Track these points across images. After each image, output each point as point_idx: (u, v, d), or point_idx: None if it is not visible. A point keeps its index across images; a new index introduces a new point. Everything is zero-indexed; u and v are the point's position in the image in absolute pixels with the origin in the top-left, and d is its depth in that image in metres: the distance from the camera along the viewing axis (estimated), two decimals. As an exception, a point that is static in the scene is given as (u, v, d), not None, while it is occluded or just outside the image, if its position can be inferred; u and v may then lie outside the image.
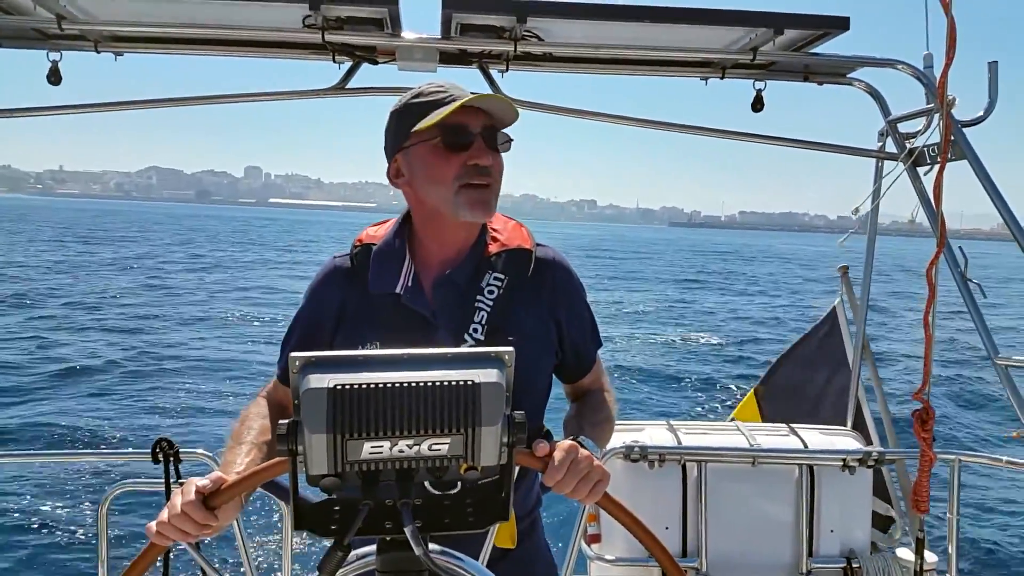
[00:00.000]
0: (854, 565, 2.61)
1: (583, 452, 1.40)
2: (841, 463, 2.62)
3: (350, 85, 2.95)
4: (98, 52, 2.96)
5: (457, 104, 1.59)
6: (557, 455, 1.38)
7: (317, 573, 1.16)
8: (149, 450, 2.42)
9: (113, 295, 28.91)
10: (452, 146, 1.63)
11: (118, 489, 2.62)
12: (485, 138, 1.65)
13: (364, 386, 1.04)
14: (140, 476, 2.60)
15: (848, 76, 2.97)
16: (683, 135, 3.22)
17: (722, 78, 3.02)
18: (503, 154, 1.71)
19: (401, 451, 1.06)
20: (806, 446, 2.71)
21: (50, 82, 2.91)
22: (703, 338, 23.03)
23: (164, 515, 1.30)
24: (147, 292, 30.77)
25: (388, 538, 1.16)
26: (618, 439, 2.71)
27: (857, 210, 2.84)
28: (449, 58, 2.93)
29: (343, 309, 1.75)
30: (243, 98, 3.10)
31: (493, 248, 1.77)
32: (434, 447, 1.07)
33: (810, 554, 2.63)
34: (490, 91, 2.95)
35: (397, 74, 2.92)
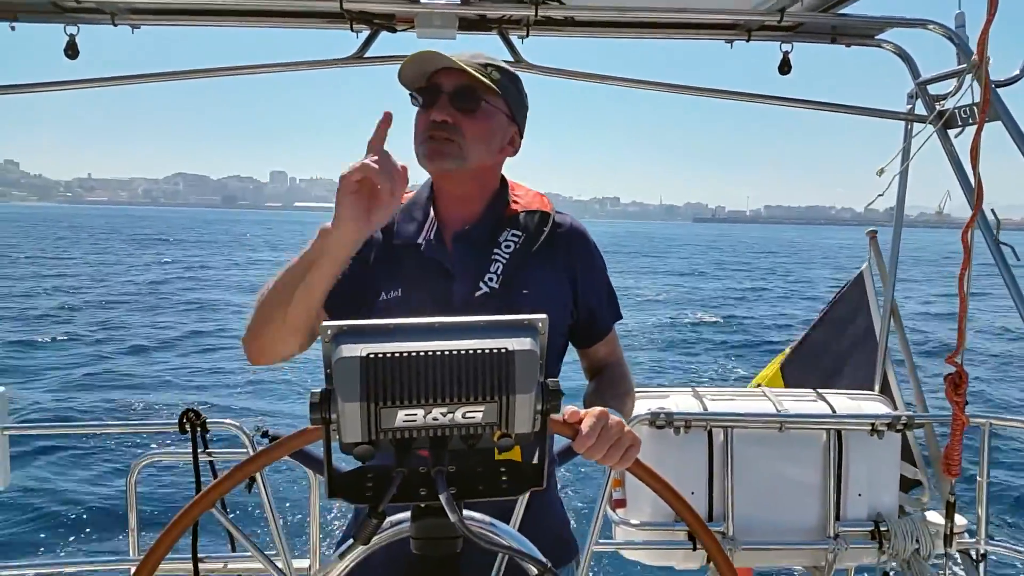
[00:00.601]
0: (882, 528, 2.61)
1: (613, 418, 1.41)
2: (870, 427, 2.61)
3: (368, 54, 2.92)
4: (115, 25, 2.94)
5: (408, 70, 1.70)
6: (587, 422, 1.38)
7: (352, 541, 1.17)
8: (176, 421, 2.43)
9: (142, 284, 29.44)
10: (420, 106, 1.73)
11: (145, 460, 2.64)
12: (451, 97, 1.71)
13: (397, 354, 1.03)
14: (168, 447, 2.62)
15: (877, 38, 2.91)
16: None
17: (748, 40, 2.96)
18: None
19: (435, 419, 1.05)
20: (834, 411, 2.70)
21: (68, 56, 2.90)
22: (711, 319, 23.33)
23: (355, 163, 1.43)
24: (175, 282, 31.29)
25: (423, 505, 1.16)
26: (643, 406, 2.71)
27: (883, 171, 2.79)
28: (469, 24, 2.89)
29: (370, 260, 1.79)
30: (260, 69, 3.07)
31: (514, 208, 1.83)
32: (468, 415, 1.06)
33: (837, 518, 2.63)
34: (510, 57, 2.94)
35: (416, 42, 2.90)
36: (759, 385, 3.35)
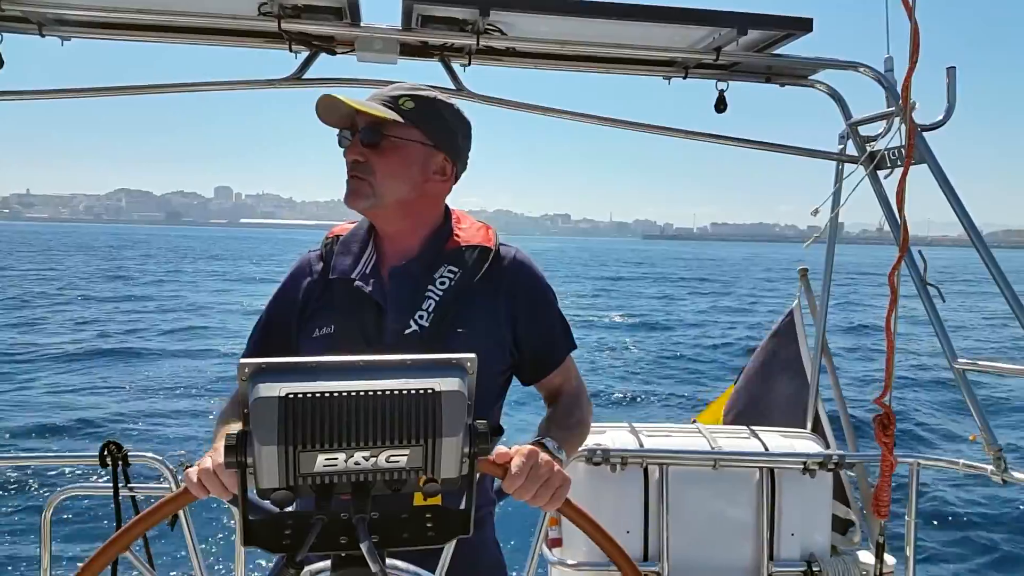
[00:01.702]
0: (815, 569, 2.60)
1: (543, 457, 1.38)
2: (802, 466, 2.61)
3: (307, 76, 2.87)
4: (43, 36, 2.83)
5: (319, 111, 1.72)
6: (516, 461, 1.35)
7: None
8: (96, 453, 2.32)
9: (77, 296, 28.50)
10: (341, 145, 1.76)
11: (62, 495, 2.50)
12: (361, 135, 1.72)
13: (318, 395, 0.98)
14: (86, 480, 2.49)
15: (810, 78, 2.98)
16: (647, 136, 3.20)
17: (685, 78, 3.00)
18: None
19: (357, 463, 1.00)
20: (767, 449, 2.70)
21: None
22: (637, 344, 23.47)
23: (207, 463, 1.30)
24: (109, 301, 30.44)
25: (343, 554, 1.11)
26: (579, 442, 2.68)
27: (817, 211, 2.84)
28: (410, 50, 2.86)
29: (307, 297, 1.79)
30: (198, 87, 2.99)
31: (452, 244, 1.80)
32: (392, 459, 1.01)
33: (771, 557, 2.62)
34: (452, 85, 2.91)
35: (356, 66, 2.86)
36: (694, 421, 3.34)
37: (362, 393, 0.99)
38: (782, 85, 3.01)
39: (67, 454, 3.11)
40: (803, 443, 2.80)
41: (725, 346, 22.57)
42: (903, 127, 2.62)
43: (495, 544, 1.90)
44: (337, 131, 1.76)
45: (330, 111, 1.72)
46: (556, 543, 2.64)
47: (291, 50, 2.84)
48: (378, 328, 1.69)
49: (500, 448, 1.39)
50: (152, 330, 23.74)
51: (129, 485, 2.37)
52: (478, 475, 1.19)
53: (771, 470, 2.63)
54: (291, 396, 0.98)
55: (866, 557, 2.70)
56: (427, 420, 1.01)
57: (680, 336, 25.34)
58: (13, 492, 8.17)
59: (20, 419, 12.14)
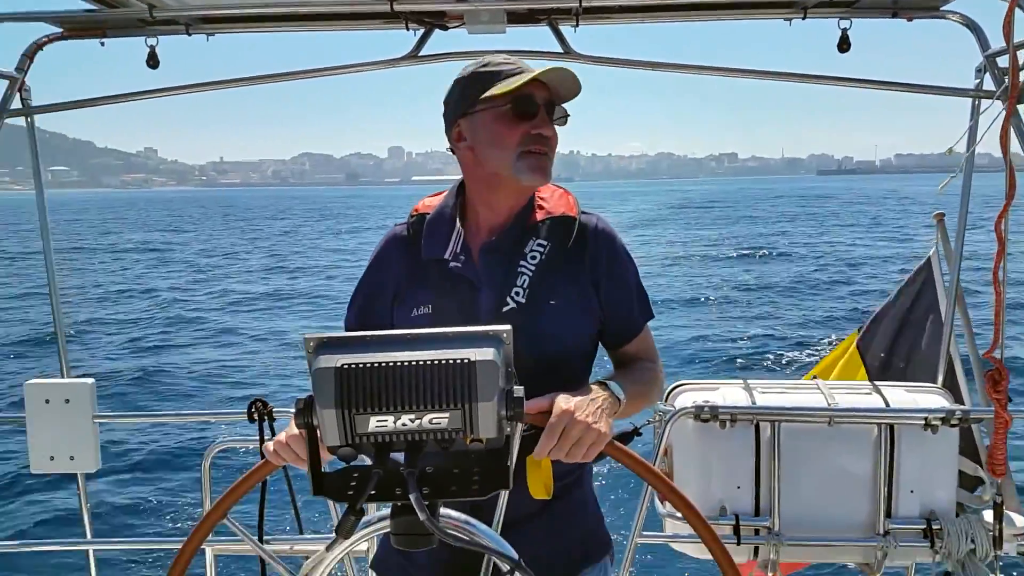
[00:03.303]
0: (935, 526, 2.53)
1: (577, 416, 1.44)
2: (923, 422, 2.53)
3: (423, 53, 2.99)
4: (190, 35, 3.11)
5: (533, 74, 1.70)
6: (547, 426, 1.43)
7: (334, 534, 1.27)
8: (245, 410, 2.61)
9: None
10: (520, 115, 1.73)
11: (217, 447, 2.86)
12: (547, 110, 1.75)
13: (368, 365, 1.13)
14: (238, 434, 2.83)
15: (942, 9, 2.76)
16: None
17: (804, 18, 2.86)
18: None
19: (404, 424, 1.14)
20: (887, 404, 2.62)
21: (149, 66, 3.10)
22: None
23: (281, 437, 1.52)
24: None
25: (400, 503, 1.24)
26: (689, 399, 2.71)
27: (951, 150, 2.67)
28: (517, 18, 2.90)
29: (400, 275, 1.87)
30: (326, 72, 3.19)
31: (538, 215, 1.84)
32: (434, 421, 1.14)
33: (888, 514, 2.57)
34: (560, 49, 2.95)
35: (468, 39, 2.95)
36: (814, 377, 3.26)
37: (406, 363, 1.13)
38: (910, 19, 2.81)
39: (222, 411, 3.51)
40: (928, 398, 2.69)
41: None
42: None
43: (593, 502, 1.97)
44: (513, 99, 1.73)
45: (563, 87, 1.75)
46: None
47: (407, 28, 2.97)
48: (474, 305, 1.76)
49: (537, 401, 1.47)
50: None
51: (275, 438, 2.65)
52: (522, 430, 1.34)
53: (891, 426, 2.56)
54: (346, 367, 1.13)
55: (992, 517, 2.59)
56: (463, 386, 1.13)
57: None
58: (178, 444, 9.30)
59: (187, 377, 13.63)
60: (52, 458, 3.04)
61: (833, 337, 15.42)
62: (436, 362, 1.13)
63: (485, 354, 1.15)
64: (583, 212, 1.88)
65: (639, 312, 1.91)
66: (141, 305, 23.97)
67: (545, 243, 1.81)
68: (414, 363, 1.13)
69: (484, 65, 1.78)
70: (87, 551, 3.45)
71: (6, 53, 3.15)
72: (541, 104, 1.73)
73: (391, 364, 1.13)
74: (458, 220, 1.86)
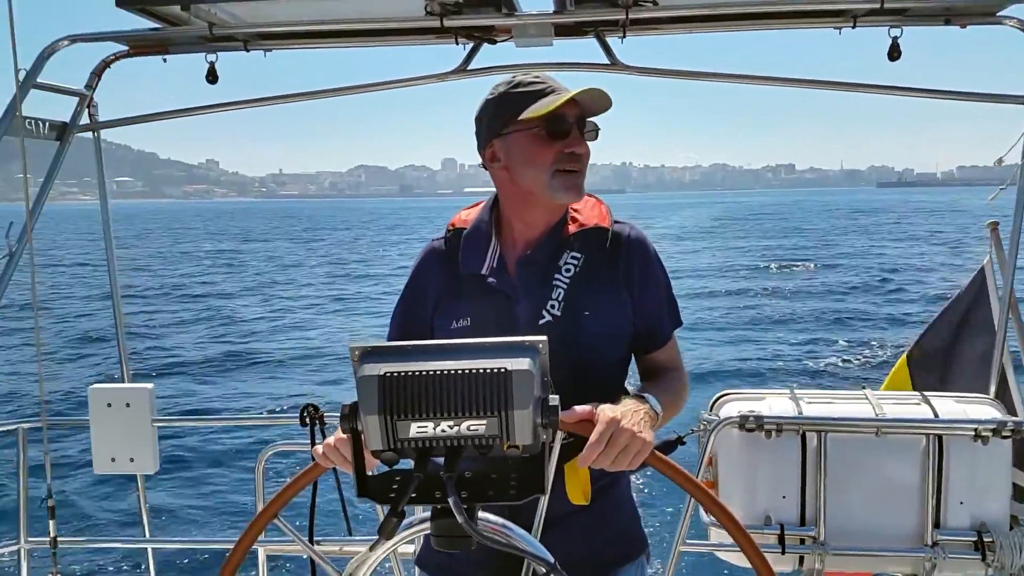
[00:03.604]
0: (986, 539, 2.49)
1: (624, 424, 1.47)
2: (973, 433, 2.49)
3: (472, 66, 3.05)
4: (248, 51, 3.22)
5: (565, 98, 1.73)
6: (595, 431, 1.46)
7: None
8: (297, 415, 2.70)
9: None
10: (553, 135, 1.76)
11: (271, 450, 2.96)
12: (579, 127, 1.78)
13: (409, 373, 1.18)
14: (290, 438, 2.91)
15: (998, 15, 2.73)
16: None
17: (854, 27, 2.85)
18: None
19: (443, 431, 1.19)
20: (936, 415, 2.59)
21: (208, 81, 3.21)
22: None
23: (330, 440, 1.60)
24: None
25: (440, 506, 1.29)
26: (734, 408, 2.72)
27: (1001, 160, 2.64)
28: (565, 30, 2.95)
29: (439, 289, 1.91)
30: (374, 87, 3.29)
31: (572, 228, 1.88)
32: (472, 427, 1.19)
33: (937, 525, 2.54)
34: (607, 60, 2.99)
35: (516, 52, 3.01)
36: (863, 387, 3.22)
37: (446, 372, 1.18)
38: (964, 26, 2.78)
39: (276, 415, 3.61)
40: (979, 409, 2.64)
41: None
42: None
43: (630, 500, 2.00)
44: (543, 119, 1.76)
45: (595, 102, 1.78)
46: None
47: (457, 42, 3.03)
48: (512, 319, 1.80)
49: (582, 408, 1.50)
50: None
51: (324, 442, 2.72)
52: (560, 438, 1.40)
53: (939, 437, 2.53)
54: (388, 375, 1.19)
55: None
56: (500, 395, 1.18)
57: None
58: (233, 447, 9.52)
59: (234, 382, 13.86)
60: (113, 459, 3.17)
61: (880, 348, 15.13)
62: (474, 371, 1.18)
63: (521, 364, 1.19)
64: (616, 221, 1.92)
65: (669, 320, 1.94)
66: (203, 310, 24.58)
67: (579, 255, 1.85)
68: (453, 372, 1.18)
69: (515, 85, 1.82)
70: (146, 549, 3.58)
71: (68, 71, 3.30)
72: (573, 122, 1.77)
73: (431, 373, 1.18)
74: (494, 235, 1.90)
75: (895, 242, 46.24)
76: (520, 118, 1.77)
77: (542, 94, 1.76)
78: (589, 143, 1.82)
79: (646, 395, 1.64)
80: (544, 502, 1.56)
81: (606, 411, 1.49)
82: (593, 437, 1.45)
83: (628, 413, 1.51)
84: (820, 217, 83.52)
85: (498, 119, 1.82)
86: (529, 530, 1.49)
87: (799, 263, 33.90)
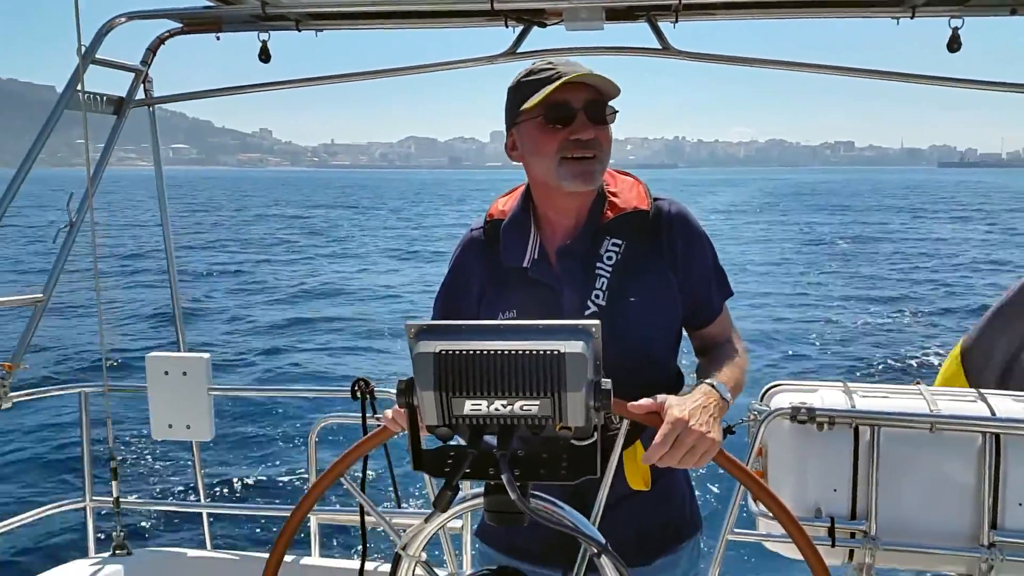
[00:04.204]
0: None
1: (692, 424, 1.46)
2: None
3: (521, 49, 3.03)
4: (299, 31, 3.25)
5: (555, 85, 1.69)
6: (662, 431, 1.45)
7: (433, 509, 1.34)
8: (349, 388, 2.73)
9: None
10: (554, 122, 1.73)
11: (323, 422, 3.04)
12: (588, 112, 1.74)
13: (465, 352, 1.20)
14: (342, 411, 2.98)
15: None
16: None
17: (912, 17, 2.75)
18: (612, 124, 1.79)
19: (497, 409, 1.21)
20: (993, 414, 2.52)
21: (261, 60, 3.25)
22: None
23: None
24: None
25: (493, 482, 1.31)
26: (786, 399, 2.67)
27: None
28: (616, 14, 2.91)
29: (482, 280, 1.92)
30: (428, 68, 3.30)
31: (610, 213, 1.85)
32: (525, 407, 1.20)
33: (994, 526, 2.48)
34: (659, 45, 2.93)
35: (567, 35, 2.97)
36: (918, 383, 3.13)
37: (501, 352, 1.19)
38: (1032, 14, 2.67)
39: (329, 388, 3.68)
40: (1038, 407, 2.57)
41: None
42: None
43: (685, 479, 2.00)
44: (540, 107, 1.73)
45: (571, 87, 1.71)
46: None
47: (506, 25, 3.01)
48: (557, 308, 1.79)
49: (646, 401, 1.50)
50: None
51: (375, 416, 2.75)
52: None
53: (996, 435, 2.46)
54: (444, 352, 1.20)
55: None
56: (553, 376, 1.18)
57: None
58: (287, 418, 9.66)
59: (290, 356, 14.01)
60: (170, 426, 3.27)
61: (938, 341, 14.77)
62: (528, 352, 1.19)
63: (574, 347, 1.20)
64: (656, 199, 1.88)
65: (718, 292, 1.91)
66: (264, 278, 24.99)
67: (620, 241, 1.82)
68: (508, 352, 1.19)
69: (527, 74, 1.80)
70: (201, 513, 3.69)
71: (122, 47, 3.36)
72: (580, 108, 1.72)
73: (487, 352, 1.19)
74: (533, 226, 1.88)
75: (954, 224, 44.88)
76: (522, 108, 1.75)
77: (548, 81, 1.71)
78: (601, 124, 1.75)
79: (715, 383, 1.61)
80: (606, 488, 1.55)
81: (673, 409, 1.47)
82: (658, 438, 1.45)
83: (697, 410, 1.49)
84: (871, 196, 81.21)
85: (512, 109, 1.81)
86: (587, 512, 1.49)
87: (859, 247, 33.03)
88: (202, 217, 56.15)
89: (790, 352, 14.58)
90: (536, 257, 1.86)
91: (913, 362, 13.41)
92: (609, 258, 1.81)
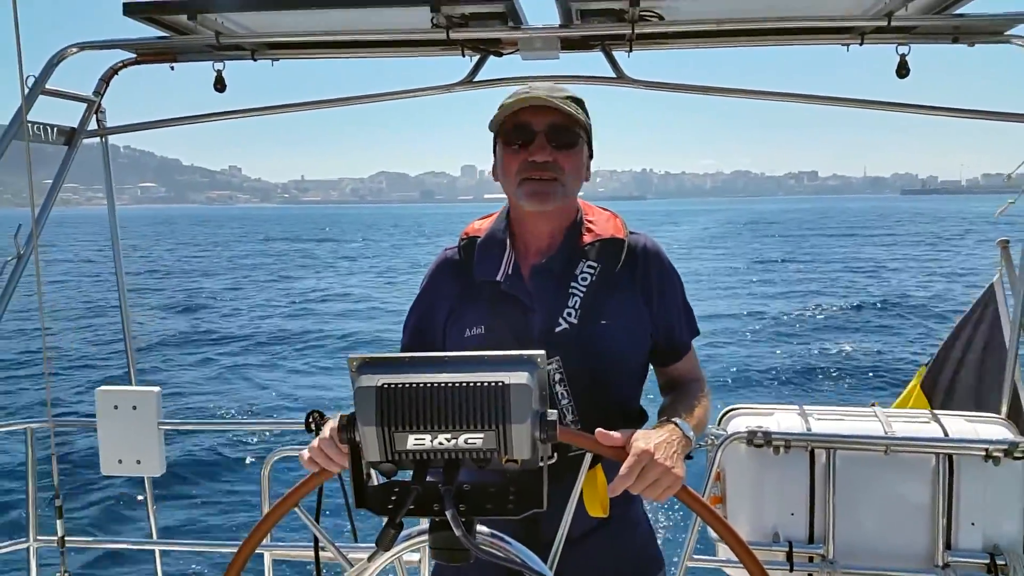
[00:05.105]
0: (999, 561, 2.46)
1: (656, 458, 1.46)
2: (984, 453, 2.47)
3: (478, 78, 3.05)
4: (255, 60, 3.22)
5: (512, 108, 1.77)
6: (627, 463, 1.45)
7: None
8: (303, 420, 2.70)
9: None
10: (514, 143, 1.80)
11: (277, 455, 2.98)
12: (548, 135, 1.78)
13: (406, 385, 1.18)
14: (297, 442, 2.92)
15: (1006, 34, 2.71)
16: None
17: (861, 44, 2.83)
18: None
19: (441, 443, 1.19)
20: (946, 434, 2.57)
21: (216, 90, 3.21)
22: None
23: (315, 443, 1.59)
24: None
25: (438, 519, 1.28)
26: (743, 423, 2.70)
27: (1011, 176, 2.62)
28: (571, 44, 2.94)
29: (452, 296, 1.92)
30: (384, 97, 3.28)
31: (587, 238, 1.89)
32: (469, 441, 1.18)
33: (948, 547, 2.51)
34: (613, 74, 2.97)
35: (522, 64, 2.99)
36: (872, 405, 3.19)
37: (443, 384, 1.17)
38: (971, 44, 2.76)
39: (281, 420, 3.61)
40: (990, 428, 2.61)
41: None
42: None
43: (645, 520, 2.00)
44: (502, 131, 1.82)
45: (535, 111, 1.77)
46: None
47: (463, 54, 3.03)
48: (526, 326, 1.81)
49: (613, 434, 1.49)
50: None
51: (308, 445, 2.71)
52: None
53: (949, 457, 2.51)
54: (386, 386, 1.18)
55: None
56: (497, 408, 1.17)
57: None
58: (239, 451, 9.53)
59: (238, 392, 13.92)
60: (120, 461, 3.18)
61: (895, 362, 15.01)
62: (471, 384, 1.17)
63: (519, 378, 1.19)
64: (631, 232, 1.92)
65: (686, 330, 1.95)
66: (213, 317, 24.67)
67: (595, 264, 1.85)
68: (450, 385, 1.17)
69: (510, 96, 1.85)
70: (153, 551, 3.59)
71: (76, 78, 3.31)
72: (540, 130, 1.77)
73: (428, 385, 1.18)
74: (509, 243, 1.91)
75: (910, 249, 45.99)
76: (490, 128, 1.83)
77: (514, 106, 1.79)
78: (563, 147, 1.80)
79: (679, 421, 1.62)
80: (568, 518, 1.54)
81: (639, 442, 1.48)
82: (624, 469, 1.45)
83: (662, 445, 1.50)
84: (832, 222, 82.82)
85: (493, 131, 1.87)
86: (549, 548, 1.47)
87: (810, 271, 33.65)
88: (162, 251, 55.25)
89: (748, 376, 14.70)
90: (510, 272, 1.87)
91: (871, 382, 13.61)
92: (584, 279, 1.84)
